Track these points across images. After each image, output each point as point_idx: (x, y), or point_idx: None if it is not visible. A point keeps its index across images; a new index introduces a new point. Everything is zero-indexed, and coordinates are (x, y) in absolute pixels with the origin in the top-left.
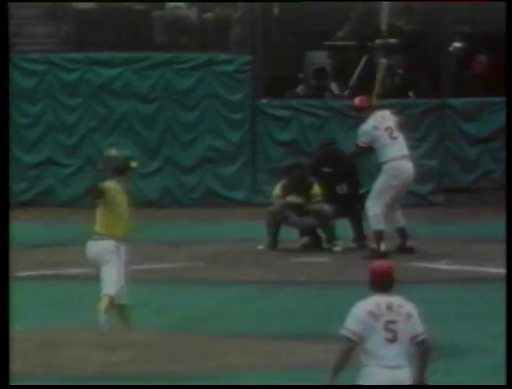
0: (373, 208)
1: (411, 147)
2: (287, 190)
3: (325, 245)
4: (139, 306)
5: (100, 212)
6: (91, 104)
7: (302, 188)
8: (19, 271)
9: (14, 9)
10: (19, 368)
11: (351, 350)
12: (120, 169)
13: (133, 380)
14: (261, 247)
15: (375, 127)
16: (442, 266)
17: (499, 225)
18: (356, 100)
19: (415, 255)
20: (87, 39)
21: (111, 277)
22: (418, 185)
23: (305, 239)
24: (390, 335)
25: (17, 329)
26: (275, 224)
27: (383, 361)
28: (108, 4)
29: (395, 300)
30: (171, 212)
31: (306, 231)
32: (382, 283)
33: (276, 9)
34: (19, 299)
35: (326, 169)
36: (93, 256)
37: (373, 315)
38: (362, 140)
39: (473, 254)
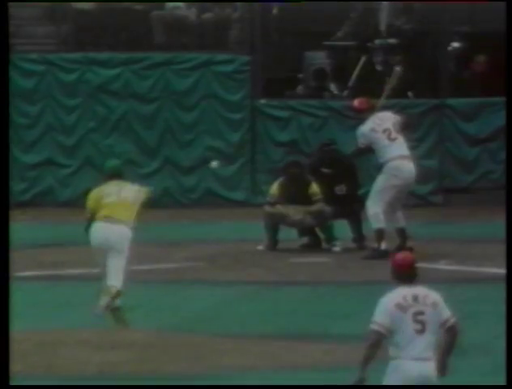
0: (373, 207)
1: (411, 148)
2: (284, 188)
3: (324, 245)
4: (139, 306)
5: (133, 203)
6: (91, 105)
7: (300, 186)
8: (19, 271)
9: (13, 9)
10: (19, 368)
11: (378, 343)
12: (109, 177)
13: (132, 380)
14: (260, 247)
15: (372, 129)
16: (442, 266)
17: (498, 225)
18: (356, 102)
19: (414, 255)
20: (87, 39)
21: (122, 269)
22: (417, 185)
23: (305, 239)
24: (419, 327)
25: (17, 329)
26: (273, 224)
27: (413, 353)
28: (108, 4)
29: (420, 290)
30: (170, 213)
31: (305, 231)
32: (406, 274)
33: (275, 9)
34: (19, 299)
35: (325, 170)
36: (111, 237)
37: (401, 307)
38: (361, 141)
39: (473, 254)
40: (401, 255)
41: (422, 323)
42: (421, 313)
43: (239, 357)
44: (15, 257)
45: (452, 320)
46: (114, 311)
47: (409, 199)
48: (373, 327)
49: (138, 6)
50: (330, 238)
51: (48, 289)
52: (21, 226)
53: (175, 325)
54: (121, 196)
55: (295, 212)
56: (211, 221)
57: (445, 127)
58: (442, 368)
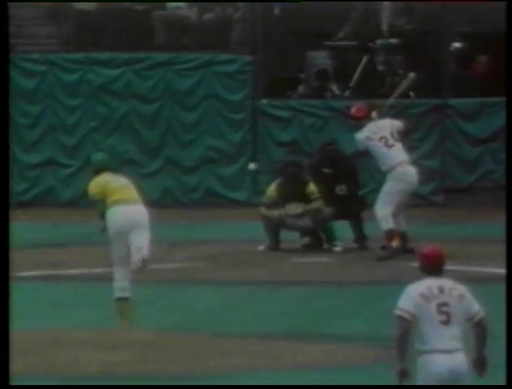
0: (382, 210)
1: (412, 148)
2: (282, 189)
3: (325, 245)
4: (139, 306)
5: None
6: (92, 105)
7: (297, 186)
8: (19, 271)
9: (14, 9)
10: (20, 368)
11: (407, 331)
12: (96, 172)
13: (133, 380)
14: (261, 248)
15: (368, 138)
16: None
17: (499, 226)
18: (353, 109)
19: (415, 255)
20: (88, 39)
21: (148, 242)
22: (418, 185)
23: (306, 239)
24: (443, 318)
25: (17, 329)
26: (273, 227)
27: (439, 344)
28: (109, 4)
29: (446, 282)
30: (171, 212)
31: (306, 231)
32: (433, 266)
33: (277, 9)
34: (19, 299)
35: (325, 170)
36: (133, 217)
37: (425, 297)
38: (359, 145)
39: (473, 254)
40: (429, 248)
41: (447, 314)
42: (446, 304)
43: (239, 357)
44: (16, 257)
45: (480, 315)
46: (122, 301)
47: (410, 199)
48: (398, 312)
49: (140, 6)
50: (331, 238)
51: (48, 289)
52: (22, 226)
53: (175, 325)
54: (123, 181)
55: (294, 208)
56: (212, 221)
57: (447, 127)
58: (480, 366)
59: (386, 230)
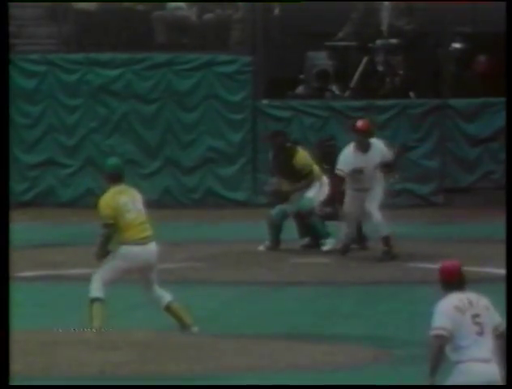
0: (379, 213)
1: (412, 148)
2: (274, 161)
3: (321, 242)
4: (139, 306)
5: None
6: (92, 105)
7: (287, 157)
8: (19, 272)
9: (14, 9)
10: (19, 368)
11: (442, 348)
12: (111, 177)
13: (133, 380)
14: (261, 248)
15: None
16: None
17: (499, 226)
18: (359, 123)
19: (415, 255)
20: (88, 39)
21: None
22: (419, 185)
23: (306, 240)
24: (478, 329)
25: (17, 329)
26: (275, 225)
27: (476, 355)
28: (109, 4)
29: (471, 295)
30: (171, 213)
31: (307, 232)
32: (456, 281)
33: (277, 9)
34: (19, 299)
35: (325, 166)
36: (149, 259)
37: (460, 310)
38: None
39: (473, 254)
40: (448, 263)
41: (480, 325)
42: (478, 315)
43: (239, 357)
44: (16, 257)
45: (503, 326)
46: (96, 302)
47: (410, 199)
48: (435, 332)
49: (140, 7)
50: (321, 236)
51: (48, 289)
52: (22, 226)
53: (175, 325)
54: (137, 209)
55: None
56: (212, 221)
57: (447, 127)
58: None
59: (385, 235)
